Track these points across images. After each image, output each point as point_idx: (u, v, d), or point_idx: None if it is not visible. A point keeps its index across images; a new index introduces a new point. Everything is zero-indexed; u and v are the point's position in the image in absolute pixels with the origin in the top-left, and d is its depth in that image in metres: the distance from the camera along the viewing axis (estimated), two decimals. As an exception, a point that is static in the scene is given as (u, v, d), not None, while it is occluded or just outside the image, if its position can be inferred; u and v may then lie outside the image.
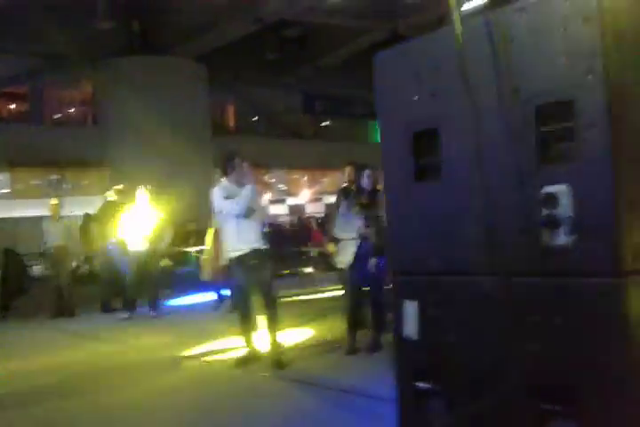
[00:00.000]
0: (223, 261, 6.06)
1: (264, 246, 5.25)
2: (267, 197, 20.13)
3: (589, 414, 2.05)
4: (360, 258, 5.34)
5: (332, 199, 6.78)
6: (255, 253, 5.16)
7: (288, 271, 12.00)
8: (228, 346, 5.97)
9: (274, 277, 5.53)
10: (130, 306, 8.42)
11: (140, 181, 9.25)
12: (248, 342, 5.39)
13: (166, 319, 8.26)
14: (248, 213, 5.13)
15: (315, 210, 21.30)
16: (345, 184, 5.70)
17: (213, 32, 14.86)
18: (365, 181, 5.48)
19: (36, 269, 11.49)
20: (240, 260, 5.19)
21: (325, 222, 9.32)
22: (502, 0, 2.38)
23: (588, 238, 2.04)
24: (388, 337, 4.91)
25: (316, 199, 22.47)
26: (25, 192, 17.70)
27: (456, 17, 2.22)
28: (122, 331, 7.55)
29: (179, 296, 10.14)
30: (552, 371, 2.14)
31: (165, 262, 10.05)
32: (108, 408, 4.30)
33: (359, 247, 5.34)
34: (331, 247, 5.65)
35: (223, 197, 5.19)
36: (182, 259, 11.38)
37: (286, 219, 20.00)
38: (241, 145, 11.52)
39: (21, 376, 5.36)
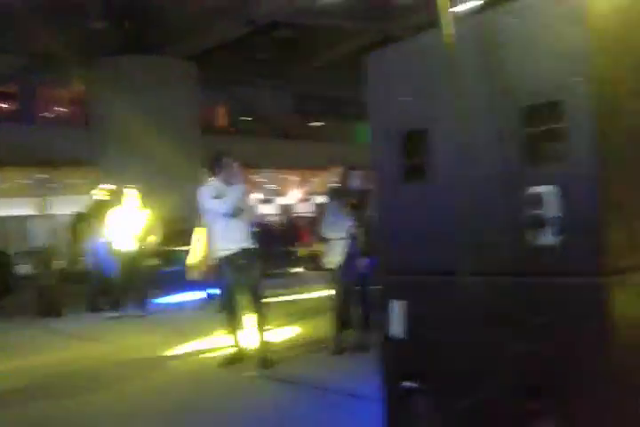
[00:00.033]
0: (211, 261, 6.05)
1: (252, 246, 5.25)
2: (256, 196, 20.10)
3: (574, 413, 2.07)
4: (350, 258, 5.35)
5: (322, 199, 6.78)
6: (243, 252, 5.16)
7: (276, 271, 11.98)
8: (215, 345, 5.96)
9: (262, 277, 5.53)
10: (117, 305, 8.38)
11: (129, 180, 9.21)
12: (235, 341, 5.38)
13: (153, 319, 8.22)
14: (236, 212, 5.13)
15: (304, 210, 21.29)
16: (334, 184, 5.71)
17: (205, 33, 14.82)
18: (355, 182, 5.50)
19: (23, 269, 11.40)
20: (228, 259, 5.18)
21: (314, 222, 9.33)
22: (495, 2, 2.40)
23: (574, 238, 2.06)
24: (374, 337, 4.92)
25: (306, 199, 22.47)
26: (12, 191, 17.55)
27: (446, 19, 2.24)
28: (109, 330, 7.51)
29: (166, 295, 10.10)
30: (537, 370, 2.16)
31: (153, 261, 10.01)
32: (93, 408, 4.28)
33: (349, 247, 5.35)
34: (319, 247, 5.65)
35: (212, 196, 5.19)
36: (170, 258, 11.34)
37: (275, 219, 19.97)
38: (231, 145, 11.49)
39: (6, 376, 5.31)
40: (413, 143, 2.57)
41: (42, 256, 8.98)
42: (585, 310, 2.04)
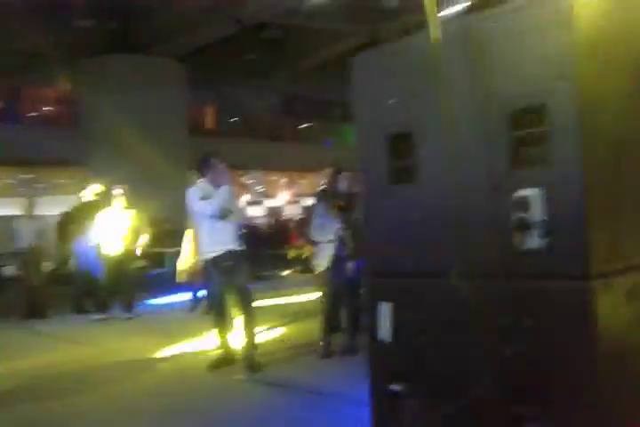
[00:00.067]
0: (199, 263, 6.02)
1: (239, 248, 5.22)
2: (244, 198, 20.06)
3: (560, 414, 2.08)
4: (338, 260, 5.34)
5: (310, 201, 6.77)
6: (230, 254, 5.13)
7: (265, 273, 11.96)
8: (203, 348, 5.94)
9: (250, 279, 5.51)
10: (103, 307, 8.32)
11: (116, 180, 9.15)
12: (223, 343, 5.36)
13: (140, 321, 8.17)
14: (223, 213, 5.10)
15: (292, 212, 21.27)
16: (323, 186, 5.70)
17: (192, 32, 14.78)
18: (343, 184, 5.49)
19: (9, 270, 11.29)
20: (215, 261, 5.16)
21: (303, 224, 9.31)
22: (481, 6, 2.41)
23: (559, 241, 2.08)
24: (363, 340, 4.92)
25: (294, 201, 22.45)
26: (-3, 191, 17.39)
27: (433, 22, 2.24)
28: (95, 333, 7.45)
29: (154, 297, 10.05)
30: (523, 372, 2.16)
31: (141, 263, 9.95)
32: (79, 410, 4.25)
33: (338, 249, 5.34)
34: (308, 250, 5.64)
35: (199, 197, 5.16)
36: (157, 259, 11.28)
37: (263, 221, 19.93)
38: (219, 146, 11.46)
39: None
40: (400, 145, 2.57)
41: (28, 257, 8.90)
42: (570, 313, 2.05)
